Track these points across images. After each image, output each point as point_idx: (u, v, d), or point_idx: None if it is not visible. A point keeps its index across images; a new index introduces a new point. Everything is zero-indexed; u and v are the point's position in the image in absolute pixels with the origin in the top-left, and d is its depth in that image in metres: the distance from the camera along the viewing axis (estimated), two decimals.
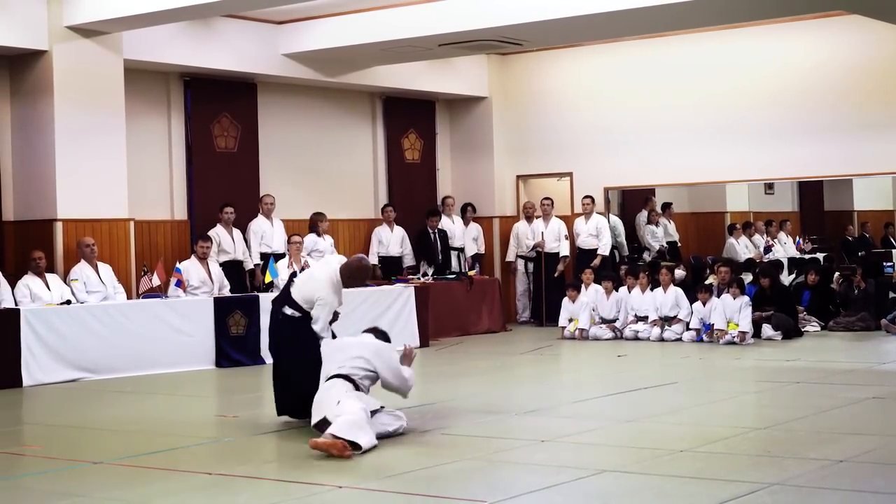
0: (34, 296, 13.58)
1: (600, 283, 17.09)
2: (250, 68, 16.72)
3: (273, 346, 9.95)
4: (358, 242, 18.57)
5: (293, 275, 11.13)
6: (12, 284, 13.66)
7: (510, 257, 19.72)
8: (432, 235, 18.57)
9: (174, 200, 16.39)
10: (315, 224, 17.11)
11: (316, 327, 9.49)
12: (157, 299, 14.04)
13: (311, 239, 16.90)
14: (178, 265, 14.79)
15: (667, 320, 16.28)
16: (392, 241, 18.40)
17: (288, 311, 9.63)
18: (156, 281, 14.13)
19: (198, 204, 16.45)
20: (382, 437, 8.64)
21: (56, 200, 14.27)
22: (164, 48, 15.58)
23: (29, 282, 13.69)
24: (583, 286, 17.20)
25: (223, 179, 16.67)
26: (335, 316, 9.69)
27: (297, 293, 9.63)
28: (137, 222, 15.35)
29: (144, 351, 13.61)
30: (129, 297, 14.51)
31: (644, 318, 16.49)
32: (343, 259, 9.98)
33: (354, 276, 9.80)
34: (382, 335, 9.46)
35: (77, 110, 14.44)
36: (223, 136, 16.82)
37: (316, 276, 9.77)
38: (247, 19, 16.46)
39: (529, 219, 19.48)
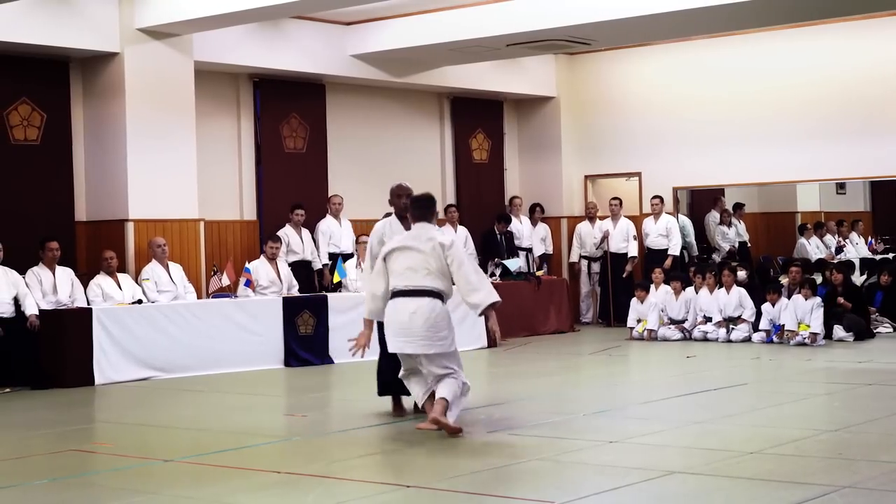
0: (106, 295, 13.74)
1: (669, 284, 17.00)
2: (319, 69, 16.80)
3: None
4: None
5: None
6: (84, 284, 13.84)
7: (573, 258, 19.68)
8: (498, 236, 18.56)
9: (243, 201, 16.52)
10: None
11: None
12: (227, 299, 14.16)
13: None
14: (247, 265, 14.90)
15: (731, 321, 16.15)
16: (456, 240, 18.37)
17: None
18: (225, 281, 14.24)
19: (267, 204, 16.56)
20: None
21: (127, 201, 14.43)
22: (233, 50, 15.70)
23: (101, 281, 13.86)
24: (652, 286, 17.12)
25: (292, 180, 16.76)
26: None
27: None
28: (207, 222, 15.49)
29: (214, 350, 13.72)
30: (199, 296, 14.64)
31: (711, 319, 16.37)
32: None
33: (392, 198, 10.27)
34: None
35: (148, 111, 14.59)
36: (292, 137, 16.92)
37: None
38: (315, 20, 16.54)
39: (592, 219, 19.44)
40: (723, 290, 16.40)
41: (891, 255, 20.58)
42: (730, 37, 18.21)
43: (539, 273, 18.36)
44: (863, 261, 20.03)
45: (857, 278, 18.31)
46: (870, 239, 21.47)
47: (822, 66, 17.96)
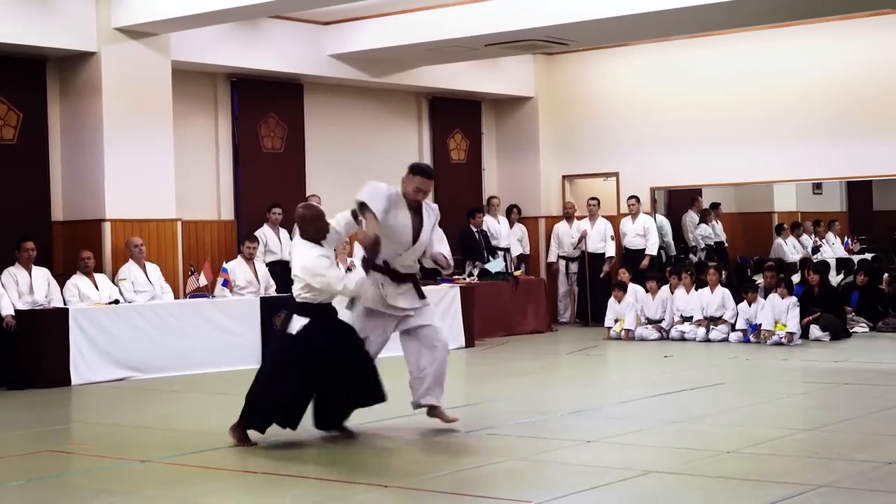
0: (83, 295, 13.69)
1: (645, 284, 17.03)
2: (297, 69, 16.78)
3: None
4: None
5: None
6: (61, 284, 13.78)
7: (551, 258, 19.69)
8: (476, 234, 18.53)
9: (221, 201, 16.48)
10: None
11: (345, 293, 8.83)
12: (204, 299, 14.12)
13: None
14: (224, 265, 14.87)
15: (712, 320, 16.18)
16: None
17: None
18: (202, 281, 14.21)
19: (244, 204, 16.53)
20: None
21: (104, 201, 14.38)
22: (211, 49, 15.66)
23: (77, 281, 13.81)
24: (630, 286, 17.15)
25: (269, 180, 16.74)
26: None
27: (297, 290, 8.95)
28: (185, 222, 15.45)
29: (191, 350, 13.68)
30: (177, 296, 14.60)
31: (689, 319, 16.39)
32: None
33: (310, 221, 9.07)
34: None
35: (125, 111, 14.54)
36: (270, 137, 16.89)
37: (299, 264, 8.99)
38: (293, 20, 16.52)
39: (570, 219, 19.46)
40: (706, 289, 16.42)
41: (867, 255, 20.65)
42: (708, 38, 18.23)
43: (517, 273, 18.36)
44: (839, 261, 20.09)
45: (834, 278, 18.38)
46: (846, 239, 21.54)
47: (799, 67, 18.01)
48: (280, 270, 15.93)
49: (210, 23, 14.76)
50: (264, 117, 16.84)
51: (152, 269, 14.44)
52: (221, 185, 16.50)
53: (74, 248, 14.28)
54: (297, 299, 8.88)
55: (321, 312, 8.79)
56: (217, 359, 13.83)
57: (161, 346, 13.47)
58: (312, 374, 8.76)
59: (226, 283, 14.56)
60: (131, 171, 14.54)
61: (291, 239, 16.42)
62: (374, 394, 9.02)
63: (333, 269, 8.86)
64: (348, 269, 15.35)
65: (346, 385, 8.88)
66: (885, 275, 17.77)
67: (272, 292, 15.13)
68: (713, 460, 7.92)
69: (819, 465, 7.70)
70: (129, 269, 14.26)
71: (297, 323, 8.83)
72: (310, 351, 8.72)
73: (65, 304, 13.48)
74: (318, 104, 17.65)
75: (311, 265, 8.78)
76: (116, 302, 13.69)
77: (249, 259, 15.20)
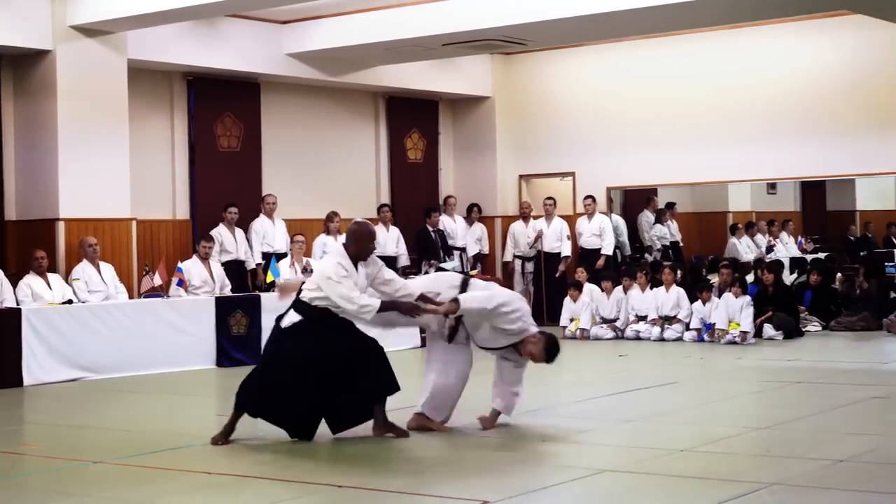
0: (36, 295, 13.59)
1: (600, 284, 17.09)
2: (254, 68, 16.73)
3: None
4: None
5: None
6: (14, 284, 13.67)
7: (507, 258, 19.71)
8: (433, 234, 18.53)
9: (176, 200, 16.41)
10: (326, 224, 16.97)
11: (347, 308, 8.69)
12: (159, 299, 14.05)
13: (320, 240, 16.76)
14: (179, 265, 14.80)
15: (667, 320, 16.26)
16: (388, 240, 18.20)
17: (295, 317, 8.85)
18: (157, 280, 14.13)
19: (200, 203, 16.47)
20: None
21: (58, 200, 14.29)
22: (167, 48, 15.59)
23: (30, 281, 13.70)
24: (585, 286, 17.21)
25: (226, 179, 16.68)
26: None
27: (306, 289, 8.89)
28: (140, 222, 15.36)
29: (145, 350, 13.61)
30: (131, 296, 14.53)
31: (644, 318, 16.47)
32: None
33: (359, 238, 9.13)
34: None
35: (80, 110, 14.45)
36: (226, 136, 16.84)
37: (318, 267, 9.19)
38: (250, 19, 16.47)
39: (526, 218, 19.48)
40: (661, 288, 16.50)
41: (820, 255, 20.81)
42: (663, 39, 18.32)
43: (473, 273, 18.34)
44: (793, 260, 20.24)
45: (787, 278, 18.51)
46: (799, 238, 21.69)
47: (754, 68, 18.12)
48: (236, 270, 15.91)
49: (167, 21, 14.70)
50: (221, 116, 16.78)
51: (106, 268, 14.36)
52: (177, 184, 16.44)
53: (27, 247, 14.16)
54: (303, 297, 8.81)
55: (317, 317, 8.72)
56: (171, 359, 13.78)
57: (115, 346, 13.39)
58: (301, 381, 8.73)
59: (180, 283, 14.50)
60: (86, 169, 14.45)
61: (247, 237, 16.39)
62: (385, 386, 8.93)
63: (348, 281, 8.74)
64: (304, 269, 15.39)
65: (353, 382, 8.79)
66: (838, 274, 17.94)
67: (227, 292, 15.08)
68: (667, 459, 7.96)
69: (772, 463, 7.76)
70: (83, 269, 14.17)
71: (290, 318, 8.80)
72: (297, 360, 8.71)
73: (17, 304, 13.37)
74: (275, 103, 17.61)
75: (327, 269, 8.76)
76: (70, 302, 13.60)
77: (205, 259, 15.14)
